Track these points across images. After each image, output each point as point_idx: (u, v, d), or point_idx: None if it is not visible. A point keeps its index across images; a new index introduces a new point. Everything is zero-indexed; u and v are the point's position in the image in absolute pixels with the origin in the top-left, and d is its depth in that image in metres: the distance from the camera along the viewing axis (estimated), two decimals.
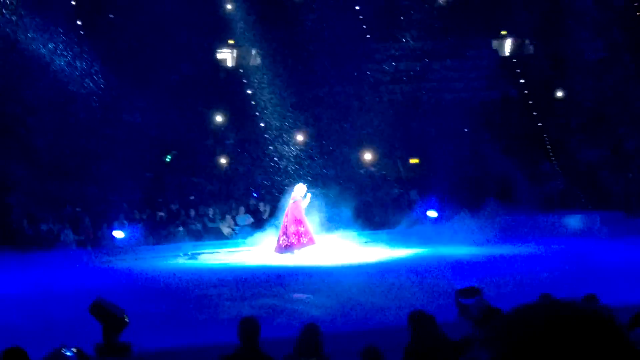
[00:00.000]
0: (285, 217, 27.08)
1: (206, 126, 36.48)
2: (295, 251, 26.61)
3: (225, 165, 35.75)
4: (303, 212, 27.12)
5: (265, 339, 8.90)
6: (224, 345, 12.38)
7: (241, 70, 39.21)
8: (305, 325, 8.97)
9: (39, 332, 14.22)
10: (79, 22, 35.59)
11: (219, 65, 39.75)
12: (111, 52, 34.53)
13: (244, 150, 36.00)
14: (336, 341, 10.49)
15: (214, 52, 39.15)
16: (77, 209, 31.52)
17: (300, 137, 36.48)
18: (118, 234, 29.66)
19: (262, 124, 37.10)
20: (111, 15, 35.33)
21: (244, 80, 38.44)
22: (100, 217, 30.84)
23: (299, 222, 26.84)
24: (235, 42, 39.48)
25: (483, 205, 30.27)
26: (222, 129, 36.98)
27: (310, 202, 27.65)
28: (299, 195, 27.22)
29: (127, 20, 34.77)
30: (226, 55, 40.32)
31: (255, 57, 39.69)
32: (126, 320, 11.98)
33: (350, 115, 35.69)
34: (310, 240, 26.92)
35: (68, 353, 7.47)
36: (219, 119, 37.02)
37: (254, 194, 34.17)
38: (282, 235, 26.91)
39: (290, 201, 27.25)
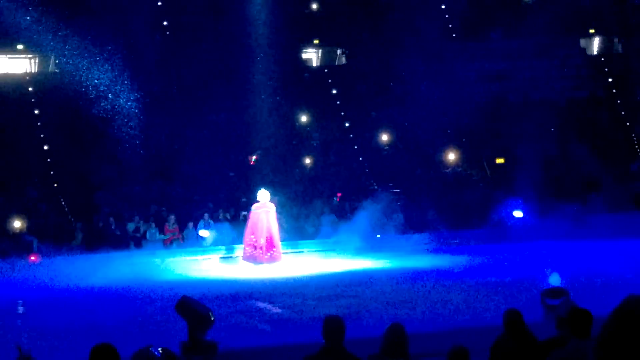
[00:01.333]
0: (254, 226, 25.54)
1: (291, 126, 36.54)
2: (261, 264, 25.09)
3: (310, 165, 35.76)
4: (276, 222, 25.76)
5: (349, 339, 8.82)
6: (308, 344, 12.38)
7: (326, 70, 39.24)
8: (390, 325, 8.86)
9: (126, 330, 14.40)
10: (165, 23, 36.05)
11: (304, 64, 39.83)
12: (196, 52, 34.86)
13: (328, 150, 35.96)
14: (421, 341, 10.40)
15: (299, 52, 39.23)
16: (162, 209, 31.85)
17: (385, 137, 36.33)
18: (204, 233, 29.87)
19: (347, 124, 37.06)
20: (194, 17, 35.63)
21: (329, 80, 38.47)
22: (186, 217, 31.09)
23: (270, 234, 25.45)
24: (320, 42, 39.53)
25: (570, 205, 29.81)
26: (307, 128, 37.02)
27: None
28: (267, 201, 25.81)
29: (211, 21, 35.11)
30: (311, 55, 40.38)
31: (340, 57, 39.70)
32: (212, 318, 12.01)
33: (435, 114, 35.40)
34: (277, 255, 25.52)
35: (155, 352, 7.51)
36: (303, 118, 37.07)
37: (337, 194, 34.12)
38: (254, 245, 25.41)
39: (261, 210, 25.64)
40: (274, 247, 25.26)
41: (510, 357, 8.89)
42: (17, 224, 29.31)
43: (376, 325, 14.03)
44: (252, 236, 25.26)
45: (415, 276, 22.06)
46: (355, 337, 10.12)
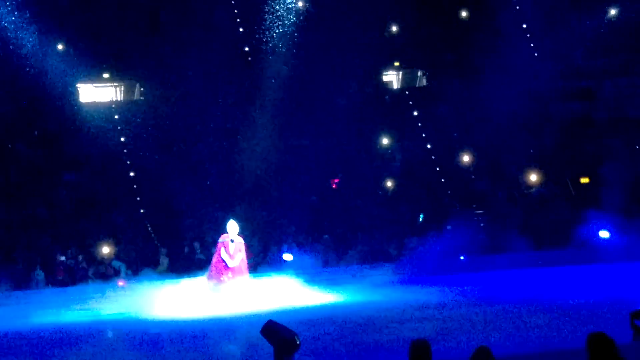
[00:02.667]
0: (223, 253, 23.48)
1: (373, 148, 36.58)
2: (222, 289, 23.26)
3: (392, 187, 35.70)
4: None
5: None
6: None
7: (407, 92, 39.24)
8: (477, 348, 8.81)
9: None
10: (246, 49, 36.47)
11: (385, 87, 39.89)
12: (279, 77, 35.18)
13: (410, 172, 35.87)
14: None
15: (379, 75, 39.30)
16: (245, 233, 32.09)
17: (466, 158, 36.13)
18: (287, 257, 30.01)
19: (428, 145, 36.96)
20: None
21: (410, 102, 38.44)
22: (270, 240, 31.28)
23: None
24: (400, 64, 39.56)
25: None
26: (389, 150, 37.00)
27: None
28: (235, 234, 23.66)
29: (292, 46, 35.37)
30: (392, 77, 40.43)
31: (420, 79, 39.68)
32: (297, 342, 12.03)
33: (517, 133, 35.10)
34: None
35: None
36: (385, 141, 37.07)
37: (421, 216, 34.01)
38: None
39: (237, 241, 23.61)
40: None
41: None
42: (106, 249, 29.88)
43: (460, 348, 13.97)
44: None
45: (498, 298, 21.85)
46: None
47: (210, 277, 23.56)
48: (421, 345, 8.59)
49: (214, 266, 23.58)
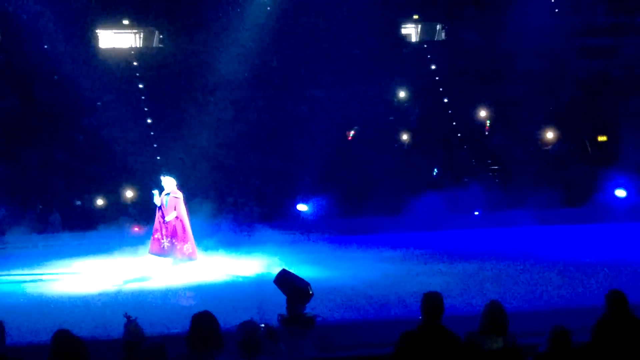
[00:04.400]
0: (161, 215, 20.16)
1: (389, 102, 36.48)
2: (175, 261, 20.20)
3: (408, 141, 35.65)
4: (184, 211, 20.41)
5: (445, 317, 8.83)
6: (405, 320, 12.42)
7: (425, 46, 39.03)
8: (489, 302, 8.83)
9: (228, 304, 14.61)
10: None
11: (403, 40, 39.67)
12: (296, 27, 35.01)
13: (425, 126, 35.81)
14: (521, 320, 10.32)
15: (398, 27, 39.07)
16: (257, 182, 32.18)
17: (482, 113, 36.01)
18: (302, 207, 30.06)
19: (445, 100, 36.83)
20: None
21: (428, 56, 38.26)
22: (285, 191, 31.35)
23: (183, 224, 20.24)
24: (420, 17, 39.31)
25: None
26: (405, 104, 36.90)
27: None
28: (174, 188, 20.36)
29: None
30: (410, 30, 40.20)
31: (440, 32, 39.44)
32: (310, 292, 12.13)
33: (534, 91, 34.91)
34: (194, 253, 20.39)
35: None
36: (402, 94, 36.95)
37: (435, 169, 33.99)
38: (162, 236, 20.10)
39: (172, 196, 20.15)
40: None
41: (613, 338, 8.79)
42: (122, 195, 30.13)
43: (473, 302, 14.01)
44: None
45: (512, 254, 21.87)
46: (452, 314, 10.11)
47: (160, 251, 20.11)
48: (433, 297, 8.64)
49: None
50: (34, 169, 30.92)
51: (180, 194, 20.21)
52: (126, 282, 18.97)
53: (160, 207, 20.04)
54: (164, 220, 19.93)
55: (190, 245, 20.06)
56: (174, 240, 19.88)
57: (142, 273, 19.88)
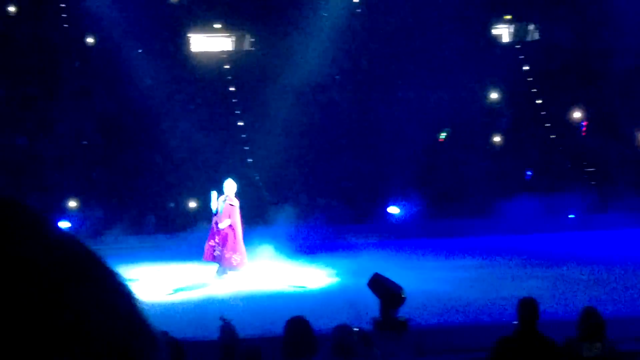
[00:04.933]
0: (226, 222, 19.53)
1: (480, 103, 36.16)
2: (228, 271, 19.72)
3: (500, 143, 35.30)
4: (239, 220, 19.81)
5: (540, 321, 8.71)
6: (500, 325, 12.29)
7: (518, 46, 38.59)
8: (584, 308, 8.69)
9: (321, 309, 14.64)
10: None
11: (495, 40, 39.29)
12: (385, 29, 34.95)
13: (518, 127, 35.39)
14: (618, 326, 10.14)
15: (489, 27, 38.72)
16: (349, 184, 32.20)
17: (578, 114, 35.44)
18: (393, 210, 29.99)
19: (538, 101, 36.36)
20: None
21: (521, 56, 37.81)
22: (376, 193, 31.31)
23: (236, 233, 19.64)
24: (512, 17, 38.89)
25: None
26: (497, 106, 36.54)
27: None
28: (232, 195, 19.75)
29: None
30: (502, 31, 39.79)
31: (533, 32, 38.95)
32: (403, 296, 12.10)
33: (632, 91, 34.20)
34: (240, 263, 19.73)
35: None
36: (493, 95, 36.60)
37: (528, 172, 33.59)
38: (215, 244, 19.65)
39: (228, 203, 19.56)
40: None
41: None
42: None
43: (568, 308, 13.80)
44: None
45: (608, 258, 21.48)
46: (548, 320, 9.98)
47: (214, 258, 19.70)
48: (529, 303, 8.53)
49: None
50: (130, 171, 31.47)
51: (236, 202, 19.62)
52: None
53: (216, 213, 19.57)
54: (217, 227, 19.53)
55: (239, 255, 19.45)
56: (224, 249, 19.37)
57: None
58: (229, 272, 19.59)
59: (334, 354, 7.53)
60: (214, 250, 19.57)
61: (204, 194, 30.98)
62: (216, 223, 19.54)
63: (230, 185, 19.71)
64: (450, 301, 15.89)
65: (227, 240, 19.40)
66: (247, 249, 19.85)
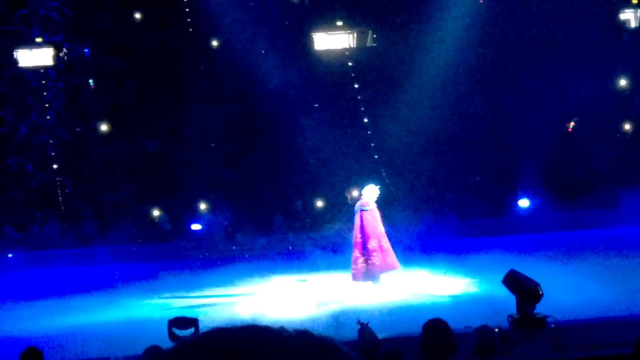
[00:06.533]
0: (358, 231, 19.13)
1: (609, 90, 35.28)
2: (380, 278, 19.13)
3: (630, 131, 34.40)
4: (380, 222, 19.32)
5: None
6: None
7: None
8: None
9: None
10: None
11: (623, 25, 38.25)
12: (507, 17, 34.39)
13: None
14: None
15: (617, 12, 37.72)
16: (477, 178, 31.91)
17: None
18: (523, 202, 29.59)
19: None
20: None
21: None
22: (504, 186, 30.93)
23: (378, 236, 19.05)
24: (639, 2, 37.82)
25: None
26: (626, 92, 35.61)
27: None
28: (372, 200, 19.28)
29: None
30: (629, 15, 38.72)
31: None
32: (540, 292, 11.90)
33: None
34: (394, 262, 19.17)
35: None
36: (622, 82, 35.68)
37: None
38: (360, 257, 19.05)
39: (360, 209, 19.20)
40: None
41: None
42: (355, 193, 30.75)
43: None
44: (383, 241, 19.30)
45: None
46: None
47: (359, 277, 19.12)
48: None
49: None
50: (257, 172, 31.86)
51: (363, 205, 19.10)
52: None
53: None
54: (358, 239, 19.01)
55: (386, 257, 18.91)
56: (369, 259, 18.78)
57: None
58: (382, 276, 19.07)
59: (475, 355, 7.47)
60: (357, 267, 18.93)
61: (330, 193, 31.31)
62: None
63: (369, 191, 19.29)
64: (587, 295, 15.59)
65: (362, 251, 18.86)
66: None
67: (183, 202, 31.07)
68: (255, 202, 30.83)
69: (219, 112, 33.02)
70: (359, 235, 18.95)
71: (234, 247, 28.00)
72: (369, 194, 19.26)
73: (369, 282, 18.93)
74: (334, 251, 24.15)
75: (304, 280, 21.29)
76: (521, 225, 28.38)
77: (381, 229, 19.10)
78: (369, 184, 19.83)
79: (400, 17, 34.59)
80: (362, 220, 18.94)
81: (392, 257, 19.01)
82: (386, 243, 19.00)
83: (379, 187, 19.66)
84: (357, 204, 19.39)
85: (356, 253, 18.98)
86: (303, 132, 32.96)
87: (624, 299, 15.09)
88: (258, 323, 1.41)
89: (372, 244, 18.79)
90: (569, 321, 12.86)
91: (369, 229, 18.88)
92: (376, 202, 19.39)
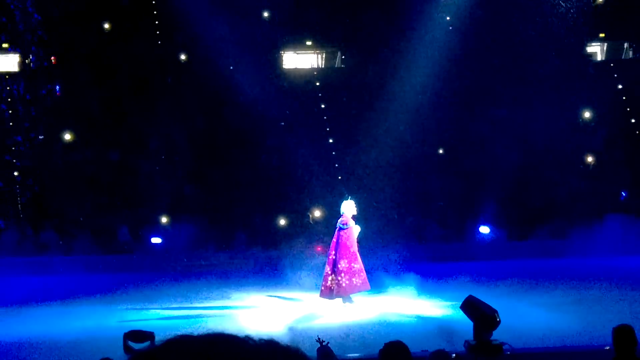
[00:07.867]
0: (332, 248, 19.24)
1: (573, 122, 35.59)
2: (351, 297, 19.20)
3: (593, 163, 34.70)
4: (355, 242, 19.27)
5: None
6: (595, 350, 12.06)
7: (612, 65, 37.94)
8: None
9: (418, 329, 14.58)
10: (447, 18, 36.07)
11: (589, 58, 38.69)
12: (478, 46, 34.64)
13: (613, 146, 34.73)
14: None
15: (583, 46, 38.13)
16: (440, 203, 32.02)
17: None
18: (484, 229, 29.74)
19: (633, 120, 35.68)
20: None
21: (615, 75, 37.17)
22: (466, 213, 31.04)
23: (350, 257, 19.06)
24: (606, 36, 38.27)
25: None
26: (591, 124, 35.94)
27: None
28: (350, 216, 19.24)
29: (490, 12, 34.62)
30: (596, 49, 39.17)
31: (627, 51, 38.27)
32: (498, 319, 11.91)
33: None
34: (365, 283, 19.17)
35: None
36: (586, 114, 36.01)
37: (623, 193, 32.93)
38: (330, 274, 19.06)
39: (338, 227, 19.26)
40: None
41: None
42: (317, 213, 30.67)
43: None
44: (355, 263, 19.26)
45: None
46: None
47: (327, 294, 19.17)
48: (626, 330, 8.34)
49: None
50: (220, 187, 31.74)
51: (343, 223, 19.03)
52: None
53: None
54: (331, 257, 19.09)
55: (357, 278, 18.90)
56: (339, 277, 18.82)
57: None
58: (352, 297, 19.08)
59: None
60: (327, 284, 18.97)
61: (294, 210, 31.27)
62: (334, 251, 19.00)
63: (347, 207, 19.22)
64: (540, 324, 15.67)
65: (334, 268, 18.90)
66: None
67: (144, 214, 30.84)
68: (217, 217, 30.70)
69: (185, 125, 32.90)
70: (333, 252, 19.03)
71: (194, 262, 27.86)
72: (348, 210, 19.20)
73: (336, 300, 18.98)
74: (296, 269, 24.10)
75: (266, 297, 21.26)
76: (481, 251, 28.53)
77: (355, 249, 19.08)
78: (345, 199, 19.75)
79: (369, 42, 34.74)
80: (338, 238, 19.00)
81: (362, 278, 18.99)
82: (358, 264, 18.98)
83: (354, 202, 19.56)
84: (338, 220, 19.31)
85: (327, 270, 19.06)
86: (268, 149, 32.94)
87: (580, 328, 15.18)
88: (222, 331, 1.37)
89: (342, 265, 18.82)
90: (524, 349, 12.90)
91: (341, 248, 18.92)
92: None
